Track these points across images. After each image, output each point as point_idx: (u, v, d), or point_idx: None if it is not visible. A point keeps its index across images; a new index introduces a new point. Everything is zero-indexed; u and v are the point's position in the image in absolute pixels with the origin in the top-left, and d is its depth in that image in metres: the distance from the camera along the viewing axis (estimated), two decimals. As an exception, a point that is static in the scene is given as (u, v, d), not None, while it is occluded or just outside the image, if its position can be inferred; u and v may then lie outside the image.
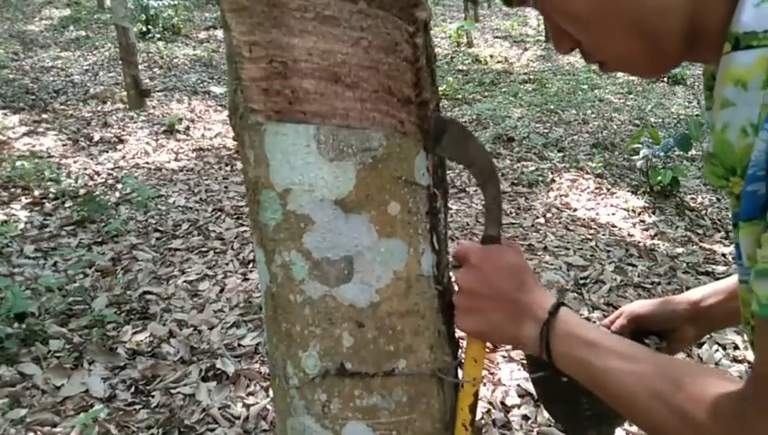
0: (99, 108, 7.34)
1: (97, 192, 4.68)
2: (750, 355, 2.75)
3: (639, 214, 4.72)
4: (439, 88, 0.81)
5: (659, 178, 4.86)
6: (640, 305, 0.98)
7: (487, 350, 0.83)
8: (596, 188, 5.26)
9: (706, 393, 0.59)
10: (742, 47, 0.55)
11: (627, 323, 0.96)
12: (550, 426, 2.29)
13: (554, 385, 0.81)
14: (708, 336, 2.93)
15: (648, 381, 0.62)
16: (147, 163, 5.59)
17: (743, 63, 0.55)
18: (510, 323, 0.73)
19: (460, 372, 0.84)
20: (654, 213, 4.74)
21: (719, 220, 4.69)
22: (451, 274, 0.81)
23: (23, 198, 4.54)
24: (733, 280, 0.92)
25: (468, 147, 0.77)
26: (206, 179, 5.20)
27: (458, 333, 0.83)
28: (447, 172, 0.82)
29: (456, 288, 0.77)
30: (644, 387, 0.62)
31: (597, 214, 4.73)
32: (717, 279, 1.06)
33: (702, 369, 0.63)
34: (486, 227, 0.78)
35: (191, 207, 4.54)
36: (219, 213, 4.43)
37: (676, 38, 0.61)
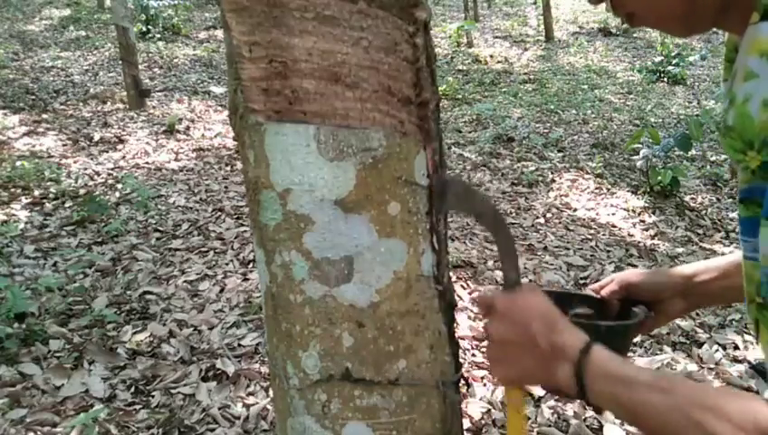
0: (99, 108, 7.34)
1: (97, 192, 4.68)
2: (751, 353, 2.75)
3: (639, 214, 4.72)
4: (439, 88, 0.81)
5: (659, 178, 4.86)
6: (633, 274, 0.97)
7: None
8: (596, 188, 5.26)
9: (748, 421, 0.58)
10: None
11: (618, 290, 0.96)
12: (550, 426, 2.29)
13: None
14: (708, 336, 2.93)
15: (689, 412, 0.61)
16: (147, 163, 5.59)
17: None
18: (544, 368, 0.72)
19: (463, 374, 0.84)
20: (654, 213, 4.74)
21: (719, 220, 4.69)
22: (480, 324, 0.82)
23: (23, 198, 4.54)
24: (727, 259, 0.92)
25: (474, 201, 0.79)
26: (206, 179, 5.20)
27: (459, 333, 0.83)
28: (447, 172, 0.82)
29: (486, 339, 0.77)
30: (685, 418, 0.61)
31: (597, 214, 4.73)
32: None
33: (739, 395, 0.63)
34: (506, 274, 0.78)
35: (191, 207, 4.54)
36: (219, 213, 4.43)
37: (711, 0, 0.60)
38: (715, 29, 0.66)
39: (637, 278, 0.96)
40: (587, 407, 0.70)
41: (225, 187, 5.02)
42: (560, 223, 4.51)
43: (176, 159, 5.76)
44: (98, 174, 5.22)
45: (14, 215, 4.24)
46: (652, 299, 0.94)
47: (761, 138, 0.55)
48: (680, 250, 4.08)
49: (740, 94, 0.57)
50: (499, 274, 3.40)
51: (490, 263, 3.67)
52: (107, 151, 5.86)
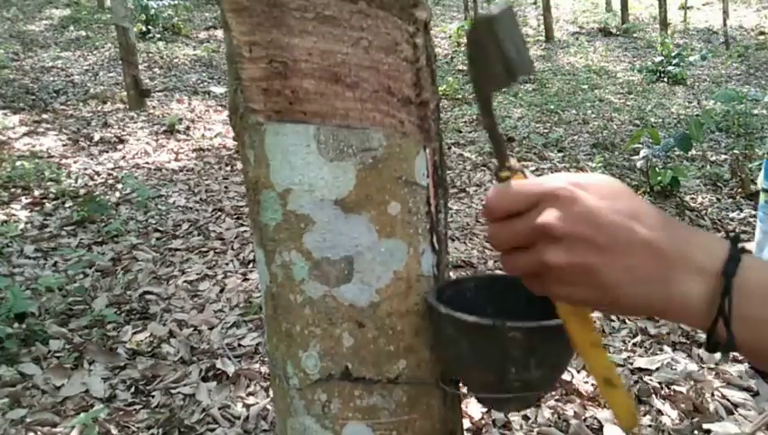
0: (99, 108, 7.34)
1: (97, 192, 4.68)
2: None
3: (639, 214, 4.71)
4: (439, 88, 0.81)
5: (659, 178, 4.86)
6: None
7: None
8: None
9: None
10: None
11: None
12: (550, 426, 2.29)
13: (483, 353, 0.68)
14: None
15: None
16: (147, 163, 5.59)
17: None
18: (649, 280, 0.46)
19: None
20: (654, 213, 4.73)
21: (719, 220, 4.69)
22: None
23: (23, 198, 4.54)
24: None
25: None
26: (206, 179, 5.20)
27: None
28: (447, 172, 0.82)
29: (530, 267, 0.50)
30: None
31: (597, 214, 4.72)
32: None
33: None
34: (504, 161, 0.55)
35: (191, 207, 4.54)
36: (219, 213, 4.43)
37: None
38: None
39: None
40: (721, 349, 0.48)
41: (225, 187, 5.02)
42: (560, 223, 4.50)
43: (176, 159, 5.76)
44: (98, 174, 5.22)
45: (14, 215, 4.23)
46: None
47: None
48: (680, 250, 4.07)
49: None
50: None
51: (490, 263, 3.67)
52: (107, 151, 5.86)
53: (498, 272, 2.84)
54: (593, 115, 7.87)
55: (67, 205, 4.46)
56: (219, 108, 7.61)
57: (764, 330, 0.45)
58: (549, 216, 0.47)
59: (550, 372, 0.70)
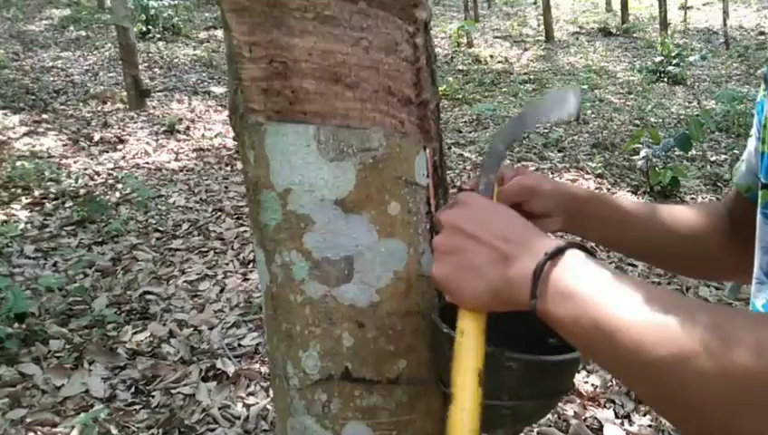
0: (99, 108, 7.34)
1: (97, 192, 4.68)
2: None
3: (639, 214, 4.72)
4: (439, 88, 0.81)
5: (659, 178, 4.87)
6: (534, 179, 0.79)
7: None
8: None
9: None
10: None
11: (518, 195, 0.78)
12: (550, 426, 2.29)
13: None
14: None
15: (699, 335, 0.43)
16: (147, 163, 5.59)
17: None
18: (495, 265, 0.57)
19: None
20: (654, 213, 4.74)
21: (719, 220, 4.69)
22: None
23: (23, 198, 4.54)
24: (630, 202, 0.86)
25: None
26: (206, 179, 5.20)
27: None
28: (447, 172, 0.82)
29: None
30: (688, 343, 0.43)
31: (597, 214, 4.73)
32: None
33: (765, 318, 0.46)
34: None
35: (191, 208, 4.54)
36: (219, 213, 4.43)
37: None
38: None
39: (539, 186, 0.79)
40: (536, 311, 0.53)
41: (225, 187, 5.02)
42: (560, 223, 4.51)
43: (176, 159, 5.76)
44: (98, 174, 5.22)
45: (14, 215, 4.24)
46: (540, 213, 0.79)
47: None
48: (680, 250, 4.08)
49: None
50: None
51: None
52: (107, 151, 5.86)
53: None
54: (593, 115, 7.88)
55: (67, 205, 4.46)
56: (219, 108, 7.61)
57: (569, 305, 0.51)
58: (448, 210, 0.64)
59: (541, 405, 0.70)
